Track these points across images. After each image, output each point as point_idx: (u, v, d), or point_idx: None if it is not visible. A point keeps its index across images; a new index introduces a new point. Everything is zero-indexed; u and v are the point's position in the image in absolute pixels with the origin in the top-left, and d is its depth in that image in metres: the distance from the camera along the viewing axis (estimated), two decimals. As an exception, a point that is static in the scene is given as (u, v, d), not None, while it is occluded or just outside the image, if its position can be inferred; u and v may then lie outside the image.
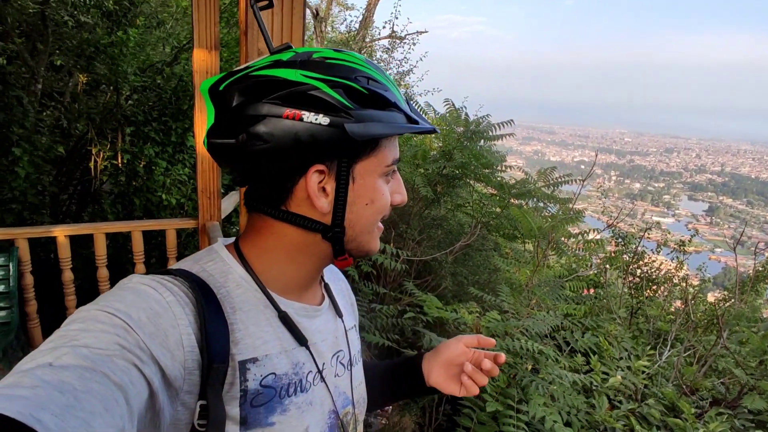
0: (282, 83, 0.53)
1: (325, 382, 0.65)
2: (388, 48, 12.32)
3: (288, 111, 0.52)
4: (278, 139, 0.53)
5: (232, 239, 0.66)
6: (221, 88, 0.56)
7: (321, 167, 0.56)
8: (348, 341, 0.72)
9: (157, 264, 3.75)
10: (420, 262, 3.98)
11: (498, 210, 4.70)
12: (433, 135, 4.96)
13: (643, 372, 2.34)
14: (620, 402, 2.20)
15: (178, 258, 2.80)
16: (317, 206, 0.57)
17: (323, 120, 0.52)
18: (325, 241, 0.60)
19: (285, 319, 0.60)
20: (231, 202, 3.06)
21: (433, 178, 4.44)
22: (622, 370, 2.31)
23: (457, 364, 0.80)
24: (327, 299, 0.71)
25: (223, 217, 2.82)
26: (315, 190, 0.56)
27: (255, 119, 0.53)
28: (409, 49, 12.32)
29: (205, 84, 0.58)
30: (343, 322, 0.72)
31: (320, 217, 0.58)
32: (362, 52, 10.93)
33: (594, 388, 2.23)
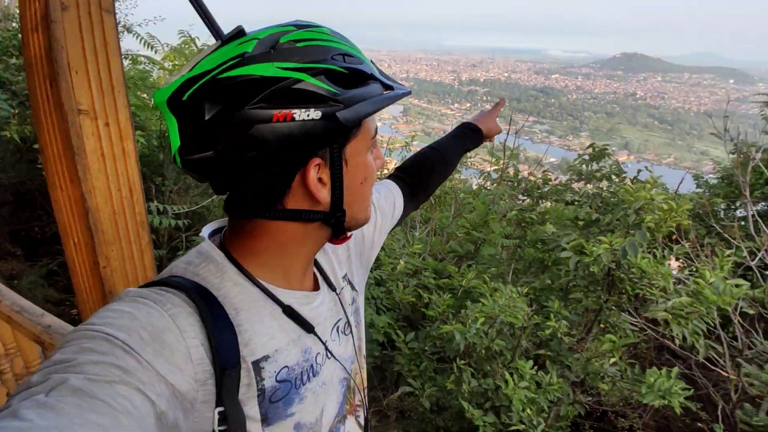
0: (260, 82, 0.48)
1: (333, 356, 0.67)
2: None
3: (277, 113, 0.48)
4: (272, 144, 0.49)
5: (213, 228, 0.63)
6: (185, 98, 0.48)
7: (318, 160, 0.54)
8: (343, 306, 0.73)
9: None
10: (191, 213, 3.69)
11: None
12: (172, 67, 4.39)
13: (417, 254, 2.94)
14: (407, 282, 2.75)
15: None
16: (319, 198, 0.56)
17: (315, 114, 0.50)
18: (324, 227, 0.60)
19: (290, 312, 0.60)
20: None
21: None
22: (403, 258, 2.85)
23: None
24: (321, 278, 0.71)
25: None
26: (316, 184, 0.55)
27: (240, 128, 0.48)
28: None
29: (160, 95, 0.48)
30: (335, 292, 0.72)
31: (319, 206, 0.57)
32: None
33: (388, 277, 2.71)
